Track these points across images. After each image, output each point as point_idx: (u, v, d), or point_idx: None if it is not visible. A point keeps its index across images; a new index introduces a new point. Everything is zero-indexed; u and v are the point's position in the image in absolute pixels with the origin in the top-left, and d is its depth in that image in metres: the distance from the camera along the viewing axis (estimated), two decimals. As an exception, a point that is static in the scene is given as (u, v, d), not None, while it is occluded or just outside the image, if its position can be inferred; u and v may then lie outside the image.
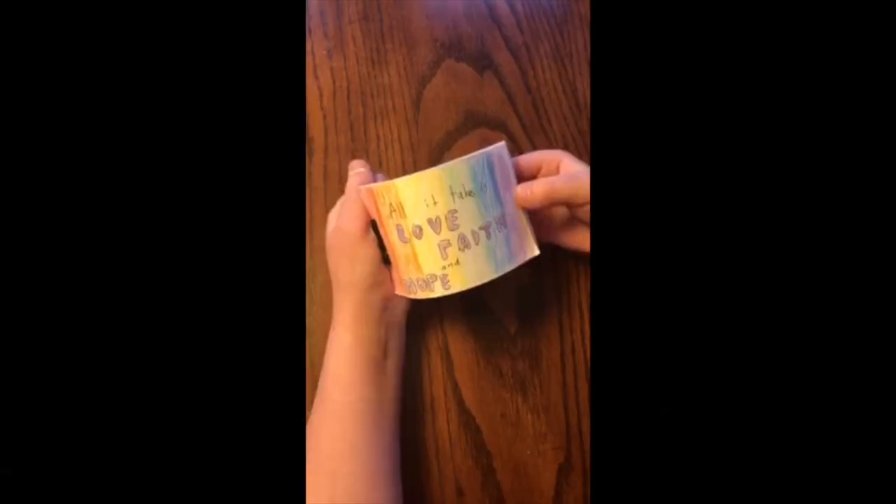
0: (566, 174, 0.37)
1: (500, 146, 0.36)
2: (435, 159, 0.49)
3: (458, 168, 0.34)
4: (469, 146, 0.49)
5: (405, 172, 0.49)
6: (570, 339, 0.45)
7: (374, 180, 0.41)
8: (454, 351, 0.45)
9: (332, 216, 0.41)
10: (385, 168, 0.48)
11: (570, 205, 0.37)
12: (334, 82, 0.50)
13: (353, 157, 0.48)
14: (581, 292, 0.46)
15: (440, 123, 0.50)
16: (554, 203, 0.37)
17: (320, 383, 0.38)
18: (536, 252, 0.38)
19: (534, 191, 0.36)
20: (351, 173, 0.41)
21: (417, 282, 0.36)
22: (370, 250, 0.37)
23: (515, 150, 0.50)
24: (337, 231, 0.39)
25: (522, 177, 0.39)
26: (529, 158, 0.40)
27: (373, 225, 0.38)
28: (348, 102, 0.50)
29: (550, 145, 0.50)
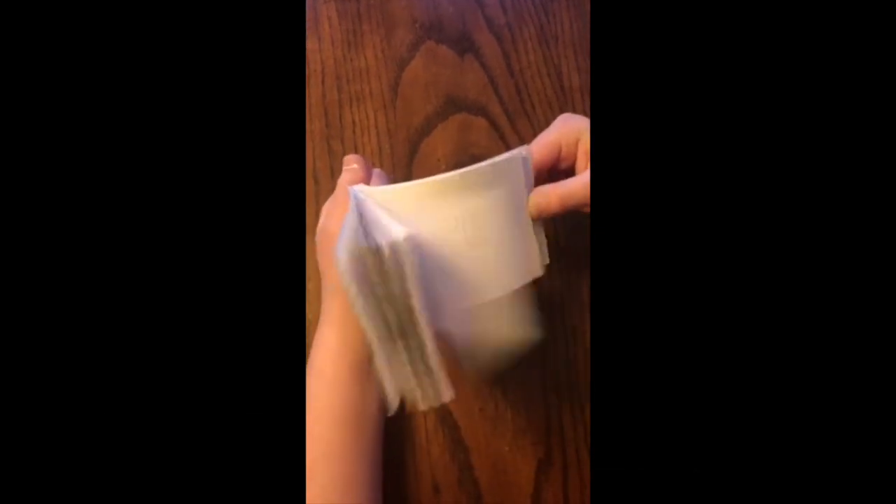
0: (585, 178, 0.35)
1: None
2: (413, 145, 0.47)
3: None
4: (449, 132, 0.48)
5: (382, 159, 0.47)
6: (551, 332, 0.44)
7: (370, 176, 0.39)
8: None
9: (324, 212, 0.39)
10: (361, 155, 0.47)
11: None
12: (308, 66, 0.48)
13: (328, 144, 0.47)
14: (562, 286, 0.45)
15: (419, 108, 0.48)
16: (573, 209, 0.35)
17: (307, 381, 0.37)
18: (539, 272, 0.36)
19: (549, 201, 0.35)
20: (344, 169, 0.39)
21: None
22: None
23: (497, 135, 0.48)
24: (322, 232, 0.37)
25: (543, 166, 0.37)
26: (548, 140, 0.37)
27: None
28: (323, 87, 0.48)
29: (534, 131, 0.48)
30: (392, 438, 0.41)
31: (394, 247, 0.28)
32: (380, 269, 0.28)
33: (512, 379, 0.43)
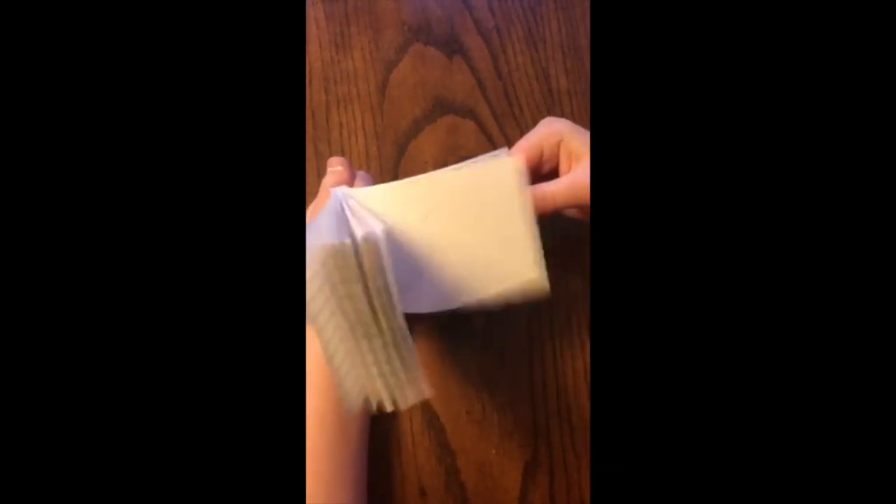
0: (567, 180, 0.36)
1: None
2: (401, 147, 0.47)
3: None
4: (436, 134, 0.48)
5: (369, 161, 0.47)
6: (539, 334, 0.44)
7: (354, 179, 0.39)
8: (418, 347, 0.43)
9: (308, 214, 0.39)
10: (348, 157, 0.47)
11: (575, 207, 0.36)
12: (296, 67, 0.48)
13: (315, 146, 0.47)
14: (552, 286, 0.44)
15: (407, 110, 0.48)
16: (556, 211, 0.35)
17: None
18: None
19: (532, 203, 0.35)
20: (329, 170, 0.39)
21: None
22: None
23: (485, 138, 0.48)
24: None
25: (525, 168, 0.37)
26: (529, 143, 0.37)
27: None
28: (310, 88, 0.48)
29: (522, 133, 0.48)
30: (378, 441, 0.41)
31: (356, 245, 0.27)
32: (341, 267, 0.27)
33: (499, 381, 0.43)
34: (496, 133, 0.48)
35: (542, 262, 0.36)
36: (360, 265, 0.27)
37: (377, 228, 0.28)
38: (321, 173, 0.45)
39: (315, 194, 0.40)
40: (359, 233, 0.27)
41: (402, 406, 0.29)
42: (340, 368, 0.29)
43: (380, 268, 0.27)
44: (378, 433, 0.41)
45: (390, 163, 0.47)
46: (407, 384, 0.29)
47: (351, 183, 0.38)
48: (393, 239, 0.32)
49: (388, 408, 0.29)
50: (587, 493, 0.41)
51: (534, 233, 0.36)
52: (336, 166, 0.39)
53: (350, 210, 0.31)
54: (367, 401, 0.29)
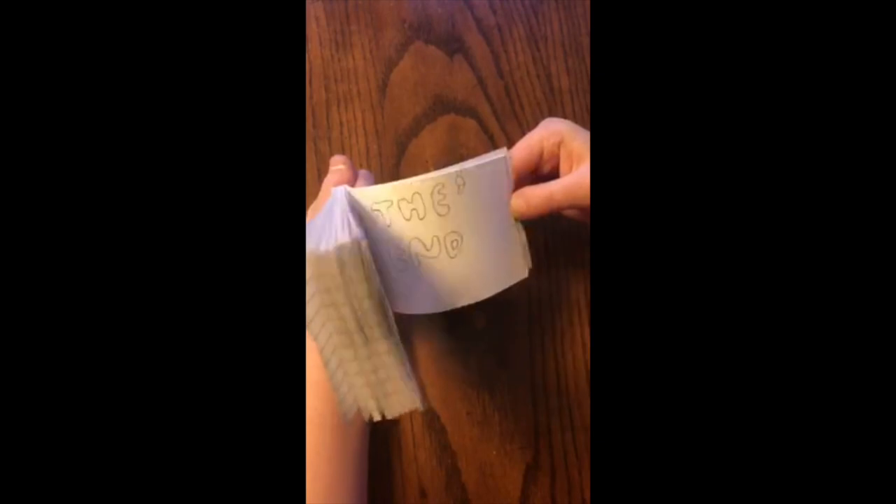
0: (567, 181, 0.35)
1: None
2: (401, 146, 0.47)
3: None
4: (437, 133, 0.47)
5: (369, 160, 0.47)
6: (540, 334, 0.44)
7: (356, 178, 0.39)
8: (418, 348, 0.43)
9: (308, 214, 0.39)
10: (349, 156, 0.46)
11: (575, 209, 0.36)
12: (296, 66, 0.48)
13: (315, 145, 0.46)
14: (551, 288, 0.44)
15: (407, 109, 0.48)
16: (554, 211, 0.35)
17: None
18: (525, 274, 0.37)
19: (530, 203, 0.35)
20: (331, 169, 0.39)
21: None
22: None
23: (486, 137, 0.48)
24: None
25: (524, 168, 0.37)
26: (529, 145, 0.37)
27: None
28: (310, 87, 0.47)
29: (523, 132, 0.48)
30: (379, 443, 0.41)
31: (339, 252, 0.27)
32: (325, 275, 0.27)
33: (499, 382, 0.43)
34: (497, 132, 0.48)
35: (528, 256, 0.37)
36: (342, 273, 0.27)
37: (358, 235, 0.27)
38: (321, 173, 0.45)
39: (315, 194, 0.40)
40: (342, 239, 0.27)
41: (389, 416, 0.28)
42: (335, 376, 0.29)
43: (360, 276, 0.27)
44: (378, 434, 0.41)
45: (391, 162, 0.47)
46: (394, 394, 0.28)
47: (353, 182, 0.37)
48: (383, 241, 0.32)
49: (376, 417, 0.28)
50: (588, 495, 0.41)
51: (521, 231, 0.36)
52: (338, 165, 0.38)
53: (343, 212, 0.30)
54: (359, 409, 0.29)
